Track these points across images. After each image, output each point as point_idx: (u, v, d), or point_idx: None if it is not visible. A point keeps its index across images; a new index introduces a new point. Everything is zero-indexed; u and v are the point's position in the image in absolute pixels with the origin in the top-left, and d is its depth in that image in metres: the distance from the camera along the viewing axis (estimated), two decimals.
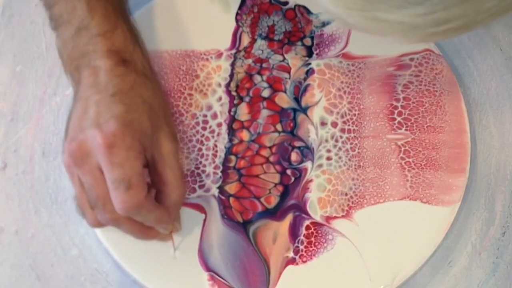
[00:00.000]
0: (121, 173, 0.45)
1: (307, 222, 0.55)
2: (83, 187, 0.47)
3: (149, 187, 0.48)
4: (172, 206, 0.50)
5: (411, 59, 0.60)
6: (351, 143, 0.58)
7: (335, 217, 0.55)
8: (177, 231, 0.54)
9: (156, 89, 0.51)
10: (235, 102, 0.59)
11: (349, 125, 0.58)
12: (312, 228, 0.55)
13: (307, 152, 0.57)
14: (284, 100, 0.59)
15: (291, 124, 0.58)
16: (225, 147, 0.57)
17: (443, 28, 0.34)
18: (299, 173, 0.56)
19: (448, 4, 0.32)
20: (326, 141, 0.58)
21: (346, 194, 0.56)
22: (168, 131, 0.50)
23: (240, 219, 0.55)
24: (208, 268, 0.53)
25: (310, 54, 0.60)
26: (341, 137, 0.58)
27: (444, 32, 0.34)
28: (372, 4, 0.33)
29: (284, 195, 0.56)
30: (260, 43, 0.60)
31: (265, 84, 0.59)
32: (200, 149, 0.57)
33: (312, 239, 0.54)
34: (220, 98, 0.59)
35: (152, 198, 0.48)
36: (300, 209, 0.55)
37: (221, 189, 0.56)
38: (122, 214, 0.46)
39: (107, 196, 0.46)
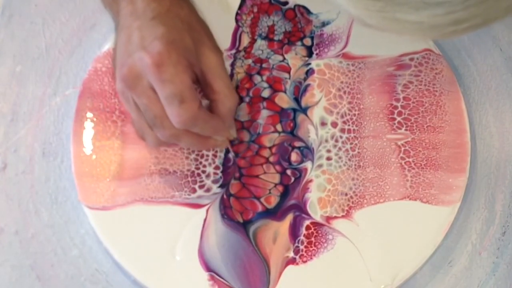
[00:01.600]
0: (172, 88, 0.47)
1: (307, 222, 0.55)
2: (139, 109, 0.50)
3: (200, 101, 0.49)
4: (226, 113, 0.52)
5: (411, 59, 0.60)
6: (351, 143, 0.58)
7: (335, 217, 0.55)
8: (233, 138, 0.56)
9: (192, 8, 0.53)
10: None
11: (349, 125, 0.58)
12: (312, 228, 0.55)
13: (307, 152, 0.57)
14: (284, 100, 0.59)
15: (291, 124, 0.58)
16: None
17: (462, 27, 0.34)
18: (299, 173, 0.56)
19: (467, 5, 0.33)
20: (326, 141, 0.58)
21: (346, 194, 0.56)
22: (211, 44, 0.52)
23: (240, 219, 0.55)
24: (208, 268, 0.53)
25: (310, 54, 0.60)
26: (341, 137, 0.58)
27: (464, 30, 0.35)
28: (391, 6, 0.34)
29: (284, 195, 0.56)
30: (260, 43, 0.60)
31: (265, 84, 0.59)
32: (200, 149, 0.57)
33: (312, 239, 0.54)
34: None
35: (205, 109, 0.50)
36: (300, 209, 0.55)
37: (221, 189, 0.56)
38: (180, 128, 0.48)
39: (163, 113, 0.48)
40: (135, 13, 0.50)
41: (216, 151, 0.57)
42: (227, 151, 0.57)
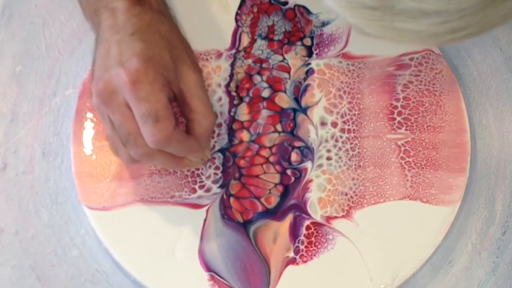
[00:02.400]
0: (147, 107, 0.46)
1: (307, 222, 0.55)
2: (113, 125, 0.49)
3: (177, 120, 0.49)
4: (202, 134, 0.51)
5: (411, 59, 0.60)
6: (351, 143, 0.58)
7: (335, 217, 0.55)
8: (207, 159, 0.56)
9: (173, 24, 0.53)
10: (235, 102, 0.59)
11: (349, 125, 0.58)
12: (313, 228, 0.55)
13: (307, 152, 0.57)
14: (284, 100, 0.59)
15: (291, 124, 0.58)
16: (225, 147, 0.57)
17: (460, 35, 0.35)
18: (299, 173, 0.56)
19: (464, 14, 0.33)
20: (326, 141, 0.58)
21: (346, 194, 0.56)
22: (190, 62, 0.51)
23: (240, 219, 0.55)
24: (208, 268, 0.53)
25: (310, 54, 0.60)
26: (341, 137, 0.58)
27: (462, 38, 0.35)
28: (390, 15, 0.34)
29: (284, 195, 0.56)
30: (260, 43, 0.60)
31: (265, 84, 0.59)
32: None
33: (313, 239, 0.54)
34: (220, 99, 0.59)
35: (180, 129, 0.50)
36: (300, 209, 0.55)
37: (221, 189, 0.56)
38: (154, 147, 0.47)
39: (137, 131, 0.47)
40: (115, 26, 0.49)
41: (215, 152, 0.57)
42: (226, 151, 0.57)
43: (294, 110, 0.58)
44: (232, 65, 0.60)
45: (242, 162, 0.57)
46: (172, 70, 0.49)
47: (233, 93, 0.59)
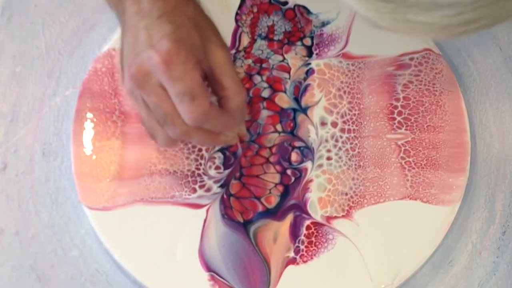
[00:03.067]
0: (183, 86, 0.47)
1: (307, 222, 0.55)
2: (149, 108, 0.50)
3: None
4: (235, 109, 0.52)
5: (411, 59, 0.60)
6: (351, 143, 0.58)
7: (336, 217, 0.55)
8: (243, 134, 0.57)
9: (197, 5, 0.53)
10: None
11: (349, 125, 0.58)
12: (313, 228, 0.55)
13: (307, 152, 0.57)
14: (284, 100, 0.59)
15: (291, 124, 0.58)
16: (225, 147, 0.57)
17: (472, 27, 0.35)
18: (299, 173, 0.56)
19: (477, 6, 0.33)
20: (326, 141, 0.58)
21: (346, 194, 0.56)
22: (217, 41, 0.52)
23: (240, 219, 0.55)
24: (208, 268, 0.53)
25: (310, 54, 0.60)
26: (341, 137, 0.58)
27: (474, 30, 0.35)
28: (402, 8, 0.34)
29: (284, 195, 0.56)
30: (260, 43, 0.60)
31: (265, 84, 0.59)
32: (200, 150, 0.57)
33: (313, 239, 0.54)
34: None
35: (216, 105, 0.50)
36: (301, 209, 0.55)
37: (221, 189, 0.56)
38: (192, 125, 0.48)
39: (174, 111, 0.48)
40: (141, 12, 0.50)
41: (215, 152, 0.57)
42: (227, 150, 0.57)
43: (294, 110, 0.58)
44: None
45: (242, 161, 0.57)
46: (201, 49, 0.50)
47: None
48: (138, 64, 0.48)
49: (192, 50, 0.48)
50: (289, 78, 0.59)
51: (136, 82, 0.48)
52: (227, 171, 0.56)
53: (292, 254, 0.54)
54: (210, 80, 0.51)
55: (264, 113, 0.58)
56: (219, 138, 0.53)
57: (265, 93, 0.59)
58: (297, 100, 0.59)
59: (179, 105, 0.47)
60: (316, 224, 0.55)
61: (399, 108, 0.59)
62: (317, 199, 0.56)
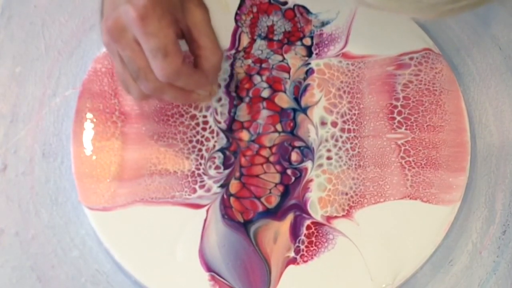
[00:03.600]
0: (156, 42, 0.47)
1: (307, 222, 0.55)
2: (123, 62, 0.50)
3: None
4: (210, 69, 0.52)
5: (411, 58, 0.60)
6: (351, 143, 0.58)
7: (336, 217, 0.55)
8: (215, 94, 0.58)
9: None
10: (235, 102, 0.59)
11: (349, 124, 0.58)
12: (313, 228, 0.55)
13: (307, 152, 0.57)
14: (284, 100, 0.59)
15: (291, 124, 0.58)
16: (225, 147, 0.57)
17: (459, 5, 0.35)
18: (300, 173, 0.56)
19: None
20: (326, 140, 0.58)
21: (347, 194, 0.56)
22: (197, 0, 0.52)
23: (240, 219, 0.55)
24: (209, 269, 0.53)
25: (309, 54, 0.60)
26: (341, 136, 0.58)
27: (460, 9, 0.35)
28: None
29: (284, 195, 0.56)
30: (260, 43, 0.60)
31: (264, 85, 0.59)
32: (200, 150, 0.57)
33: (313, 238, 0.54)
34: (220, 99, 0.59)
35: (189, 64, 0.51)
36: (301, 209, 0.55)
37: (221, 189, 0.56)
38: (163, 81, 0.49)
39: (147, 66, 0.49)
40: None
41: (215, 152, 0.57)
42: (227, 150, 0.57)
43: (294, 110, 0.58)
44: (232, 65, 0.60)
45: (242, 161, 0.57)
46: (179, 8, 0.50)
47: (233, 94, 0.59)
48: (114, 18, 0.48)
49: (169, 8, 0.49)
50: (289, 78, 0.59)
51: (112, 35, 0.49)
52: (227, 171, 0.56)
53: (292, 254, 0.54)
54: (187, 39, 0.52)
55: (264, 113, 0.58)
56: (191, 96, 0.54)
57: (265, 93, 0.59)
58: (297, 100, 0.59)
59: (152, 60, 0.48)
60: (316, 224, 0.55)
61: (399, 108, 0.59)
62: (317, 199, 0.56)
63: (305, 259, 0.54)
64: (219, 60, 0.53)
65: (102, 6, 0.52)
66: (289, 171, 0.57)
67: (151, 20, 0.47)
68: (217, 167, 0.56)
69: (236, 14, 0.61)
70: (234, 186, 0.56)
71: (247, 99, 0.59)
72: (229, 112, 0.58)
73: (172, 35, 0.48)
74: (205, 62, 0.52)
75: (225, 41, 0.60)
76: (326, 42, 0.60)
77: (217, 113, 0.58)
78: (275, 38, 0.61)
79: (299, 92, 0.59)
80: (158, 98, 0.56)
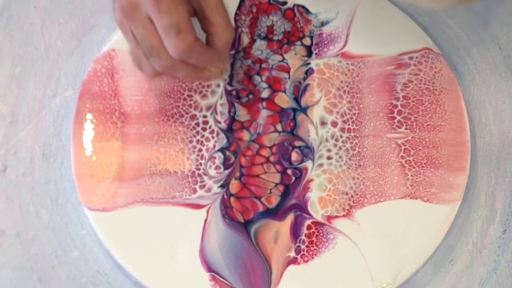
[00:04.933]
0: (169, 19, 0.47)
1: (308, 222, 0.55)
2: (137, 40, 0.51)
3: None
4: (221, 46, 0.53)
5: (410, 58, 0.60)
6: (351, 143, 0.58)
7: (336, 217, 0.55)
8: (227, 71, 0.59)
9: None
10: (235, 102, 0.59)
11: (349, 124, 0.58)
12: (313, 228, 0.55)
13: (307, 151, 0.57)
14: (283, 100, 0.59)
15: (291, 124, 0.58)
16: (225, 147, 0.57)
17: None
18: (300, 173, 0.56)
19: None
20: (326, 140, 0.58)
21: (347, 194, 0.56)
22: None
23: (241, 219, 0.55)
24: (209, 269, 0.53)
25: (309, 53, 0.60)
26: (341, 136, 0.58)
27: None
28: None
29: (285, 195, 0.56)
30: (259, 44, 0.60)
31: (264, 85, 0.59)
32: (200, 150, 0.57)
33: (314, 238, 0.54)
34: (220, 99, 0.59)
35: (202, 41, 0.51)
36: (301, 208, 0.55)
37: (221, 189, 0.56)
38: (176, 58, 0.49)
39: (160, 44, 0.49)
40: None
41: (215, 152, 0.57)
42: (227, 150, 0.57)
43: (294, 110, 0.58)
44: (232, 65, 0.60)
45: (243, 161, 0.57)
46: None
47: (233, 94, 0.59)
48: None
49: None
50: (289, 78, 0.59)
51: (125, 13, 0.49)
52: (227, 171, 0.56)
53: (293, 254, 0.54)
54: (199, 16, 0.52)
55: (264, 113, 0.58)
56: (203, 73, 0.54)
57: (265, 93, 0.59)
58: (297, 100, 0.59)
59: (165, 38, 0.48)
60: (316, 223, 0.55)
61: (399, 107, 0.59)
62: (317, 198, 0.56)
63: (306, 259, 0.54)
64: (231, 38, 0.53)
65: None
66: (289, 171, 0.57)
67: None
68: (217, 167, 0.56)
69: (236, 14, 0.61)
70: (234, 186, 0.56)
71: (247, 99, 0.59)
72: (229, 112, 0.58)
73: (185, 13, 0.48)
74: (217, 39, 0.52)
75: None
76: (326, 42, 0.60)
77: (217, 113, 0.58)
78: (275, 38, 0.61)
79: (299, 92, 0.59)
80: (171, 75, 0.56)
